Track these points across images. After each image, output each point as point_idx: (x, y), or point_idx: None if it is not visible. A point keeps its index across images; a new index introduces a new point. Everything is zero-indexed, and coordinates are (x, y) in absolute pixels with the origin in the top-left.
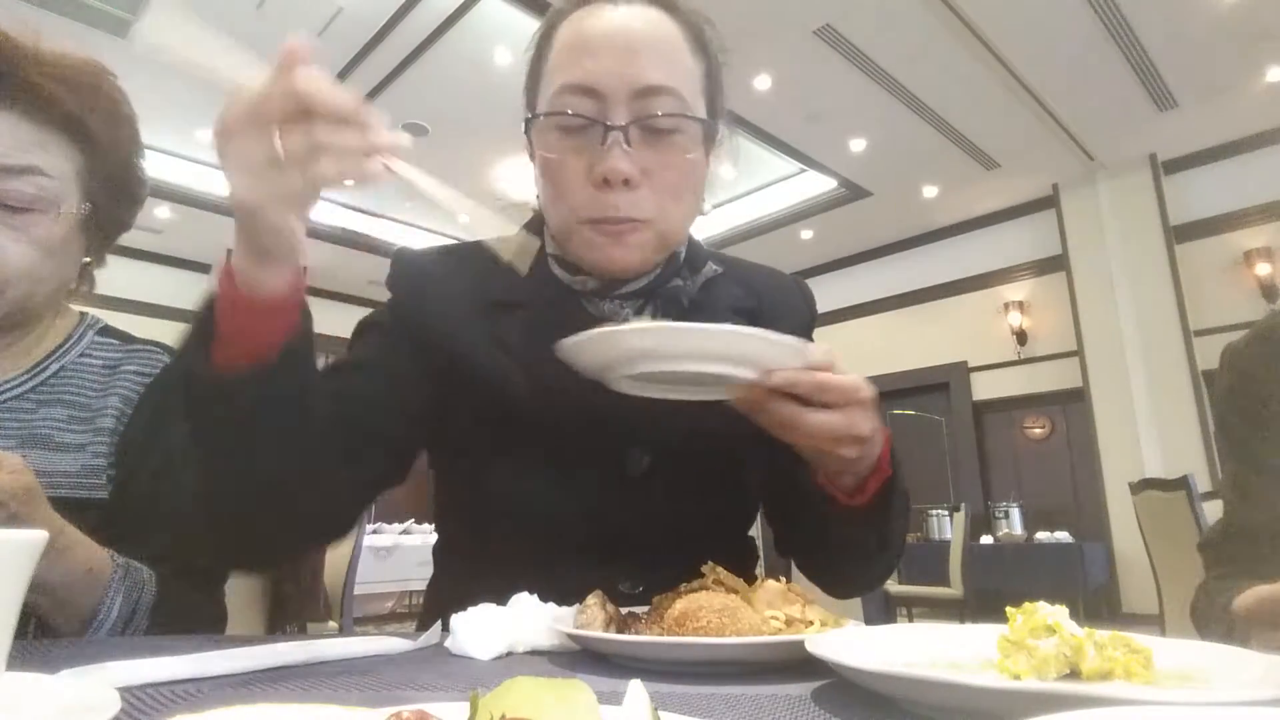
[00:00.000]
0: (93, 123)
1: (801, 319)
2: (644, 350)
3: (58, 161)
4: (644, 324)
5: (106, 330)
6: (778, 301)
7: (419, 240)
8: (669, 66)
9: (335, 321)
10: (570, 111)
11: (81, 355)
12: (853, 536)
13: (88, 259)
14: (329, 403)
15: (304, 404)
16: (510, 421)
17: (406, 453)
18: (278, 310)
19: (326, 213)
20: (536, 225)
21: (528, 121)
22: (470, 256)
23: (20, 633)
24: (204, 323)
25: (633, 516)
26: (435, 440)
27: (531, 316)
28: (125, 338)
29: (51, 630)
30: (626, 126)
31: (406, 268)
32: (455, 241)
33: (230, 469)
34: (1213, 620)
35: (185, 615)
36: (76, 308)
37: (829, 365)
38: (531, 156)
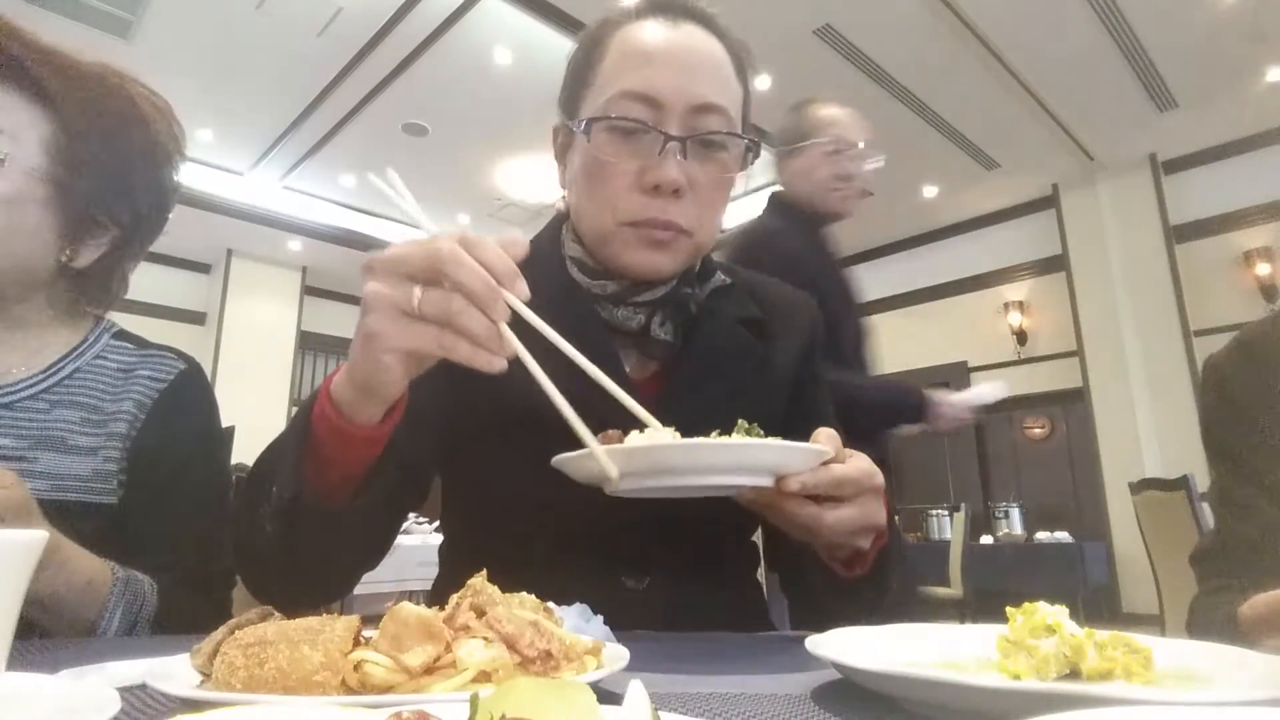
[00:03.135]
0: (70, 101)
1: (805, 332)
2: (645, 468)
3: (13, 118)
4: (644, 441)
5: (121, 334)
6: (785, 313)
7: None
8: (722, 87)
9: (335, 321)
10: (629, 117)
11: (96, 358)
12: (849, 604)
13: (65, 256)
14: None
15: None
16: (519, 425)
17: (429, 477)
18: (369, 441)
19: (327, 213)
20: (556, 225)
21: (586, 122)
22: None
23: (23, 640)
24: (302, 441)
25: (637, 516)
26: (445, 446)
27: (546, 323)
28: (140, 342)
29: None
30: (685, 139)
31: None
32: None
33: (289, 554)
34: (1212, 635)
35: (189, 623)
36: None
37: (837, 454)
38: (559, 156)
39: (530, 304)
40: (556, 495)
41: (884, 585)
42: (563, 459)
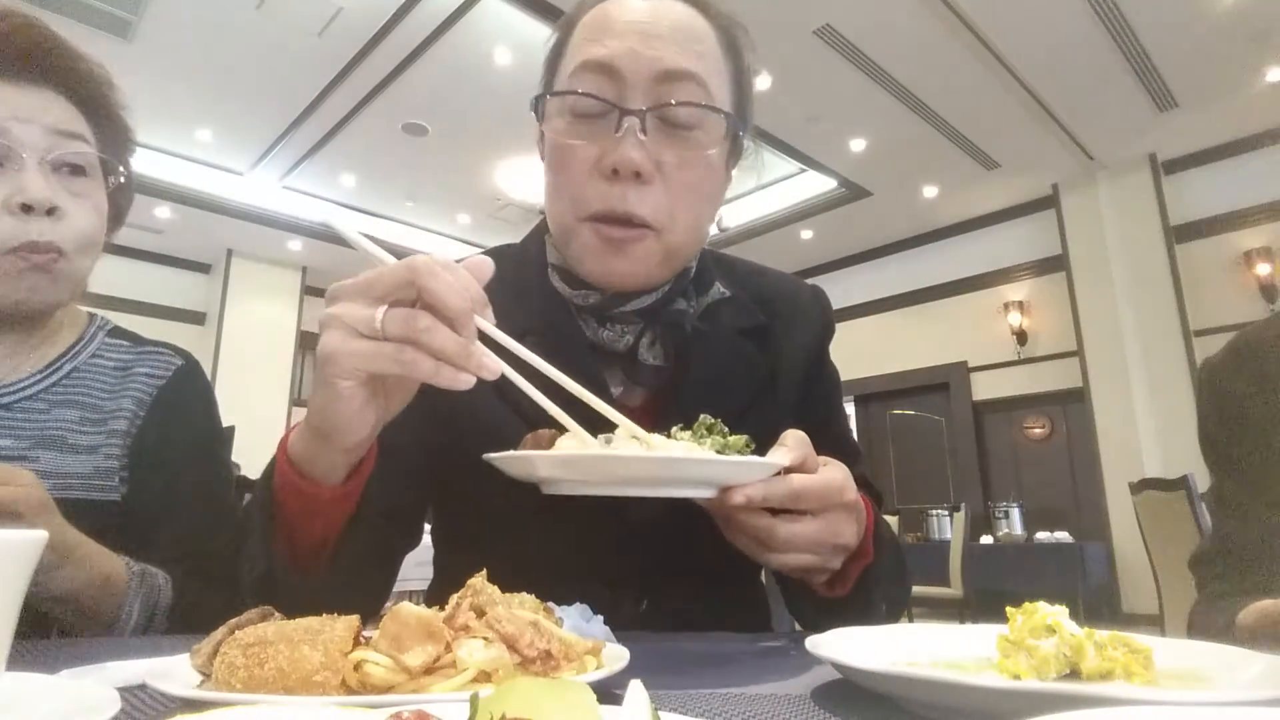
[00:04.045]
0: (110, 111)
1: (814, 335)
2: (571, 477)
3: (91, 135)
4: (573, 451)
5: (117, 332)
6: (791, 316)
7: (419, 240)
8: (695, 55)
9: None
10: (583, 91)
11: (93, 357)
12: (830, 623)
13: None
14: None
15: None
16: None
17: (419, 521)
18: (336, 500)
19: (327, 213)
20: (540, 232)
21: (536, 102)
22: None
23: (42, 638)
24: (266, 511)
25: (634, 550)
26: (434, 486)
27: (531, 348)
28: (136, 339)
29: (72, 637)
30: (644, 112)
31: None
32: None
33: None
34: (1212, 641)
35: (200, 615)
36: (84, 309)
37: (801, 462)
38: (542, 155)
39: (518, 318)
40: (549, 529)
41: (868, 605)
42: (495, 457)
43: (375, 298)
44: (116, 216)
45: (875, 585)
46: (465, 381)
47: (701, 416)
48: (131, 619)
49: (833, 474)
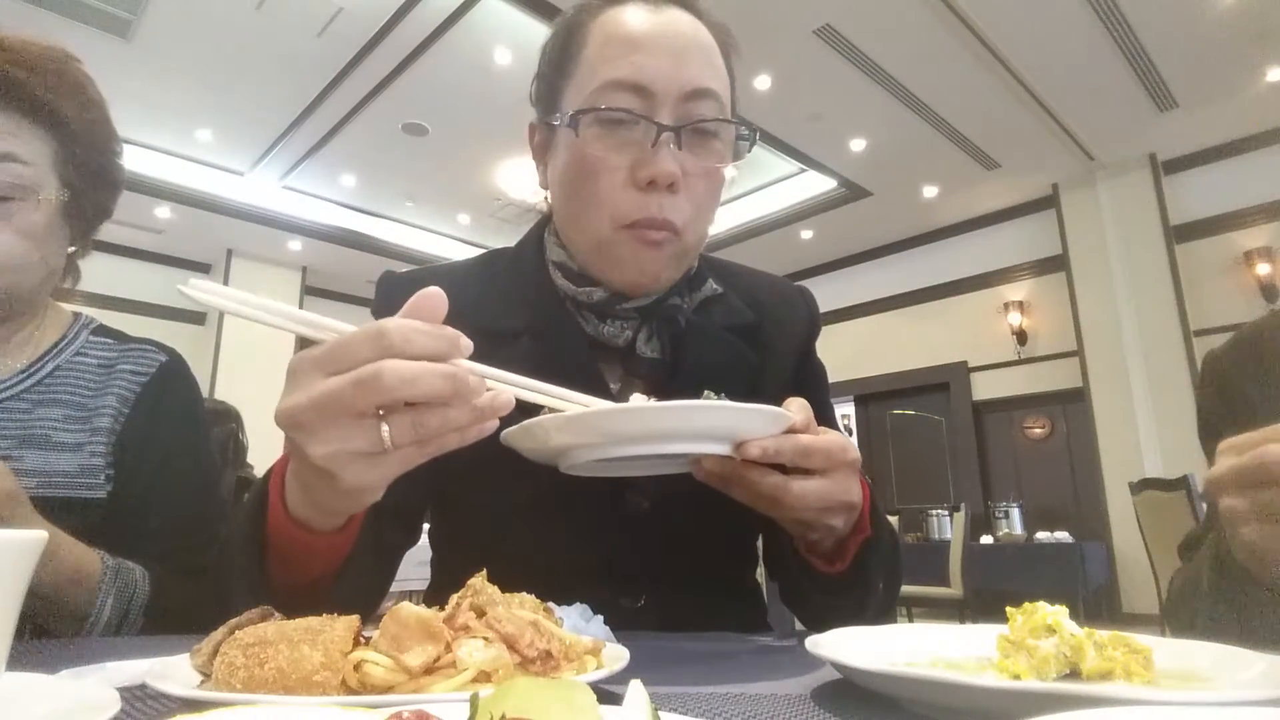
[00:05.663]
0: (63, 108)
1: (802, 332)
2: (592, 437)
3: (32, 147)
4: (586, 408)
5: (101, 330)
6: (779, 315)
7: (419, 240)
8: (713, 71)
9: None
10: (619, 108)
11: (77, 355)
12: (833, 601)
13: (73, 248)
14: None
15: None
16: (504, 464)
17: (420, 519)
18: (337, 546)
19: (327, 213)
20: (539, 229)
21: (572, 115)
22: (464, 279)
23: (17, 635)
24: (258, 556)
25: (631, 548)
26: (433, 486)
27: (528, 346)
28: (120, 337)
29: (48, 633)
30: (679, 128)
31: (392, 297)
32: (448, 261)
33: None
34: (1184, 605)
35: (186, 613)
36: (72, 307)
37: (806, 425)
38: (538, 155)
39: (515, 330)
40: (545, 526)
41: (868, 581)
42: (510, 432)
43: (355, 412)
44: (95, 215)
45: (874, 560)
46: (490, 428)
47: (705, 391)
48: (104, 614)
49: (836, 436)
